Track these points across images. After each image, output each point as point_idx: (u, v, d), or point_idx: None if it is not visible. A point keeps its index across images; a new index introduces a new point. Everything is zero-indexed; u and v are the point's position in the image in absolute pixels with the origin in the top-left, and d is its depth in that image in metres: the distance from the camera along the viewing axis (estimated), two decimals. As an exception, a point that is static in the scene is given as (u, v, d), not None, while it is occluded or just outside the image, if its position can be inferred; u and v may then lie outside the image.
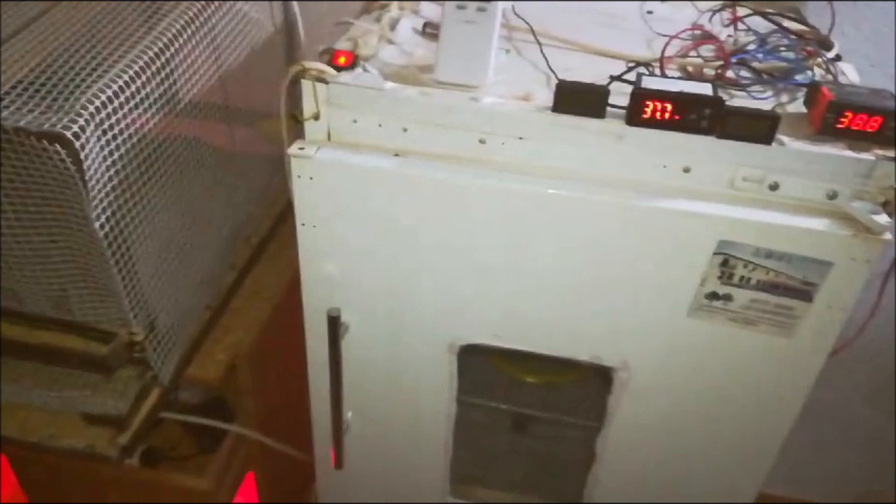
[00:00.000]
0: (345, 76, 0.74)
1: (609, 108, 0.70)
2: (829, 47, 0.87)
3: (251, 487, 1.23)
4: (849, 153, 0.68)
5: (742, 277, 0.72)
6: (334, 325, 0.82)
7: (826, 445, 1.59)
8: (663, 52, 0.77)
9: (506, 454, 1.10)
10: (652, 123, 0.69)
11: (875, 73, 1.16)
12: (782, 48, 0.85)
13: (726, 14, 0.95)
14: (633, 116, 0.69)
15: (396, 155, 0.75)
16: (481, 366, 1.08)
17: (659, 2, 1.02)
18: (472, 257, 0.78)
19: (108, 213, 0.77)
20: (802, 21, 0.95)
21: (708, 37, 0.89)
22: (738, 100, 0.77)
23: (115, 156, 0.76)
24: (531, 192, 0.73)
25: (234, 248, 1.16)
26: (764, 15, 0.96)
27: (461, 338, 0.85)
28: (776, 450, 0.84)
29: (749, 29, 0.91)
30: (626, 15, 0.97)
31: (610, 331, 0.80)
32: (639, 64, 0.77)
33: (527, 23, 0.88)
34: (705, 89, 0.68)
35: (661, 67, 0.76)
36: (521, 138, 0.73)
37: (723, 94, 0.78)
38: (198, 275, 1.05)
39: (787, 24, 0.93)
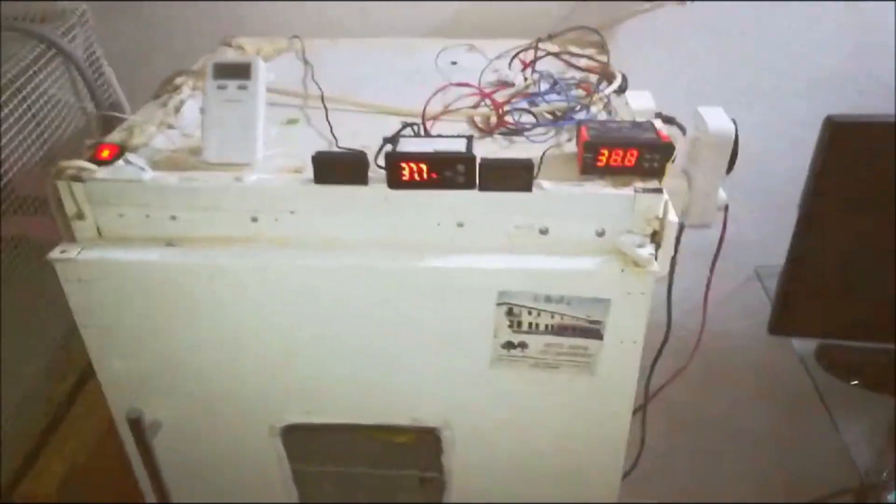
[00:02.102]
0: (102, 172, 0.72)
1: (378, 172, 0.69)
2: (610, 80, 0.89)
3: None
4: (609, 190, 0.69)
5: (530, 324, 0.72)
6: (137, 427, 0.78)
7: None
8: (424, 109, 0.78)
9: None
10: (413, 185, 0.68)
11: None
12: (559, 90, 0.87)
13: (523, 57, 0.97)
14: (393, 180, 0.68)
15: (169, 244, 0.73)
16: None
17: (465, 50, 1.03)
18: (266, 338, 0.76)
19: None
20: (591, 57, 0.98)
21: (502, 84, 0.90)
22: (518, 144, 0.78)
23: None
24: (305, 266, 0.71)
25: (69, 352, 1.10)
26: (557, 55, 0.98)
27: (280, 420, 0.82)
28: (618, 473, 0.83)
29: (538, 72, 0.92)
30: (432, 68, 0.96)
31: (422, 393, 0.79)
32: (406, 125, 0.77)
33: (319, 88, 0.88)
34: (459, 146, 0.68)
35: (423, 125, 0.76)
36: (292, 212, 0.71)
37: (505, 141, 0.79)
38: (26, 386, 0.99)
39: (579, 61, 0.95)
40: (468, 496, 0.88)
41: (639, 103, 0.91)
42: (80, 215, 0.73)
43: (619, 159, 0.69)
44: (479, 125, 0.82)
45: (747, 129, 0.80)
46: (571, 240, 0.70)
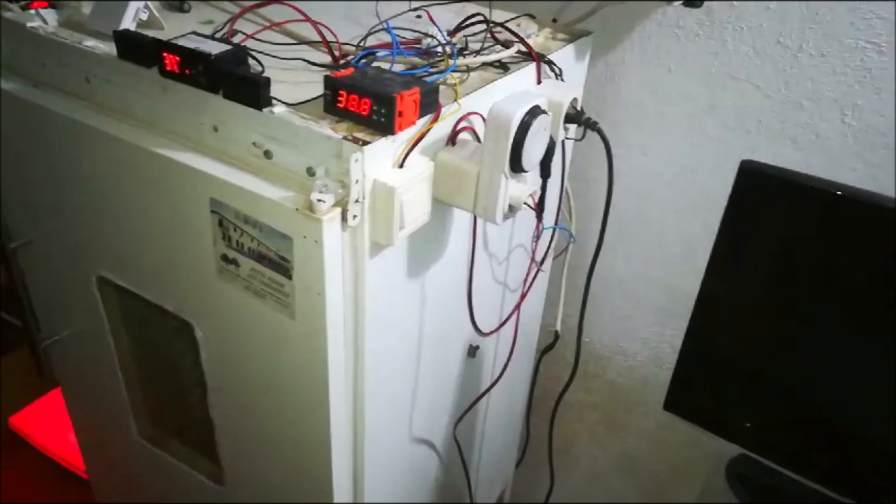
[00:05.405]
0: (10, 13, 0.87)
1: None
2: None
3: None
4: (319, 129, 0.66)
5: (237, 242, 0.72)
6: (-4, 230, 0.94)
7: None
8: (235, 18, 0.81)
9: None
10: (174, 76, 0.72)
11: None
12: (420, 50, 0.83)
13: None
14: (160, 67, 0.73)
15: (35, 85, 0.86)
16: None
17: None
18: (79, 187, 0.86)
19: None
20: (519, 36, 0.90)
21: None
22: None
23: None
24: (96, 130, 0.79)
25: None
26: (488, 23, 0.93)
27: (94, 269, 0.92)
28: (327, 438, 0.78)
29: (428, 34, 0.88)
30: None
31: (176, 282, 0.83)
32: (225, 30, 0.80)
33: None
34: (217, 49, 0.70)
35: (230, 31, 0.80)
36: (108, 81, 0.80)
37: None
38: None
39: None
40: (223, 404, 0.90)
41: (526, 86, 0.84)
42: (-3, 45, 0.89)
43: (355, 105, 0.66)
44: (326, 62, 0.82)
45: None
46: (288, 171, 0.69)
